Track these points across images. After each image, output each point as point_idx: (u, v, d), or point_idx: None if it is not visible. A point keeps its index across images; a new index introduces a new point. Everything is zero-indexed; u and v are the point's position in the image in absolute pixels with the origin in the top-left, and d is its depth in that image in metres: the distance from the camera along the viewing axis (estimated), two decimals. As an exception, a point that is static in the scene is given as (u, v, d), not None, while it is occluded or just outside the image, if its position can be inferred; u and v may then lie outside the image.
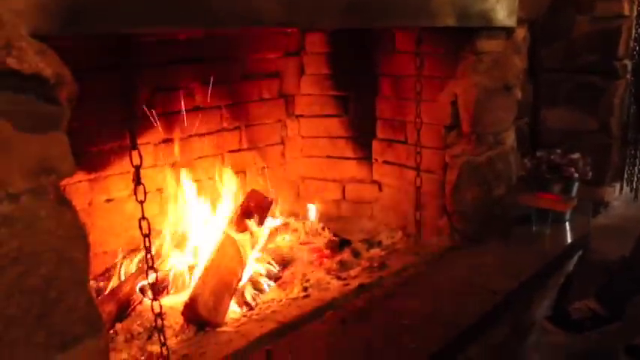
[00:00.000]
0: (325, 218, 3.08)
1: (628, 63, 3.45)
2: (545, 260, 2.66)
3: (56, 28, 1.20)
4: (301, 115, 3.16)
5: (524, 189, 3.06)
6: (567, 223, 3.08)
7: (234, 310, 2.16)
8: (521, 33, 2.77)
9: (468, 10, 2.32)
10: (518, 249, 2.73)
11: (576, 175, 3.05)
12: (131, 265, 2.31)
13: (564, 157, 3.11)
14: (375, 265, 2.52)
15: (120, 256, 2.37)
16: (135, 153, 1.67)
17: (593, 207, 3.32)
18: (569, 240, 2.93)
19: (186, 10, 1.45)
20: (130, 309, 2.15)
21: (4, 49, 1.10)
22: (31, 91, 1.17)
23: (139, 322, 2.06)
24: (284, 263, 2.51)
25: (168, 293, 2.25)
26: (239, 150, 2.87)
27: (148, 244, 1.71)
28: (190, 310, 2.03)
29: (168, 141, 2.55)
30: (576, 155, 3.11)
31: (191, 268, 2.33)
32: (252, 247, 2.35)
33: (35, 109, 1.19)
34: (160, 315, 1.78)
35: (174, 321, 2.05)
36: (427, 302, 2.23)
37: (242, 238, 2.29)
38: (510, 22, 2.58)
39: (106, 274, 2.33)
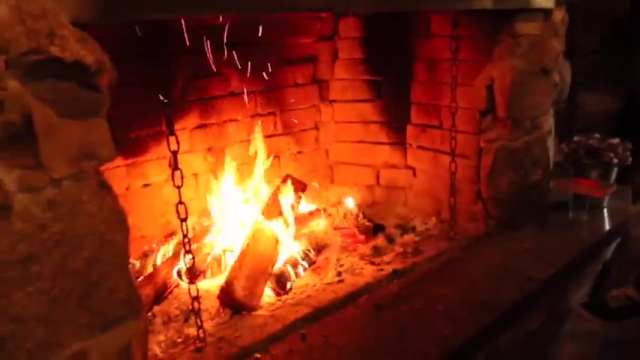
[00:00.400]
0: (359, 203, 3.07)
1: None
2: (583, 247, 2.61)
3: (96, 15, 1.22)
4: (335, 100, 3.15)
5: (560, 174, 3.01)
6: (605, 210, 3.02)
7: (269, 294, 2.18)
8: (559, 15, 2.71)
9: (505, -8, 2.28)
10: (555, 235, 2.69)
11: (615, 160, 2.99)
12: (168, 248, 2.35)
13: (603, 142, 3.04)
14: (409, 250, 2.52)
15: (157, 240, 2.41)
16: (172, 139, 1.69)
17: (632, 193, 3.25)
18: (607, 227, 2.88)
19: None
20: (166, 292, 2.19)
21: (47, 37, 1.12)
22: (73, 79, 1.20)
23: (175, 305, 2.10)
24: (318, 248, 2.52)
25: (204, 277, 2.28)
26: (273, 135, 2.88)
27: (185, 228, 1.74)
28: (226, 293, 2.06)
29: (203, 126, 2.58)
30: (616, 140, 3.05)
31: (227, 253, 2.36)
32: (287, 231, 2.37)
33: (77, 95, 1.21)
34: (196, 298, 1.81)
35: (210, 304, 2.09)
36: (461, 288, 2.22)
37: (277, 223, 2.31)
38: (548, 3, 2.53)
39: (143, 257, 2.37)
